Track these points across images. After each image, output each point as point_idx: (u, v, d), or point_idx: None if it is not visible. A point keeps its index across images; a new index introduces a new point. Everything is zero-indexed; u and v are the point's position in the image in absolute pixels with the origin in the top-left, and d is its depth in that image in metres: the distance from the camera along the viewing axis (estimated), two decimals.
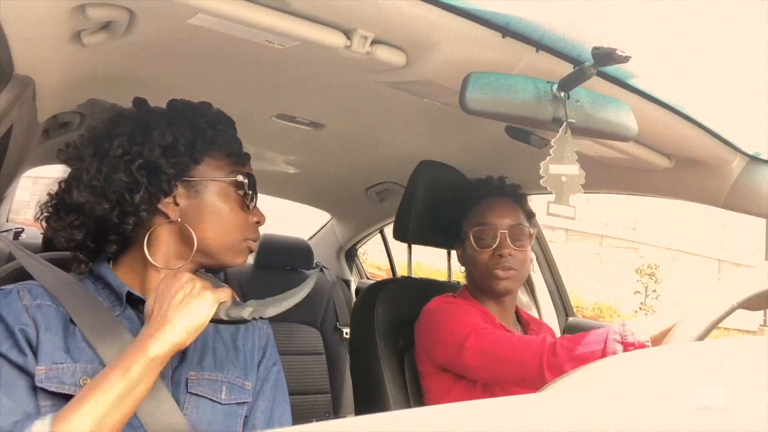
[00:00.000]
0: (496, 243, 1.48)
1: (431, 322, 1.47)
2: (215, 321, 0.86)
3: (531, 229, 1.54)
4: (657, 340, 1.10)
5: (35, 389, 0.84)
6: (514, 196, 1.57)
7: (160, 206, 0.96)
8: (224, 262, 1.01)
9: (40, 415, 0.79)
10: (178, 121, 0.99)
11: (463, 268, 1.62)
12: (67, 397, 0.83)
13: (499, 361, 1.31)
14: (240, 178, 1.01)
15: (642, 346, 1.11)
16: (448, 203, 1.67)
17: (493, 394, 1.44)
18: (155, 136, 0.96)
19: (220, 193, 0.99)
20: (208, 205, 0.98)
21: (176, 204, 0.97)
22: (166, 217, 0.97)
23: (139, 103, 1.05)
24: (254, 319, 0.86)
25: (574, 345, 1.20)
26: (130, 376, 0.79)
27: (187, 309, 0.84)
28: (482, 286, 1.53)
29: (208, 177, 0.99)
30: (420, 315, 1.51)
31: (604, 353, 1.13)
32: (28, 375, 0.84)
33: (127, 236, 0.97)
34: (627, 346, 1.12)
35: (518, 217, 1.52)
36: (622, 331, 1.14)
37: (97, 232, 0.97)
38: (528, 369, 1.24)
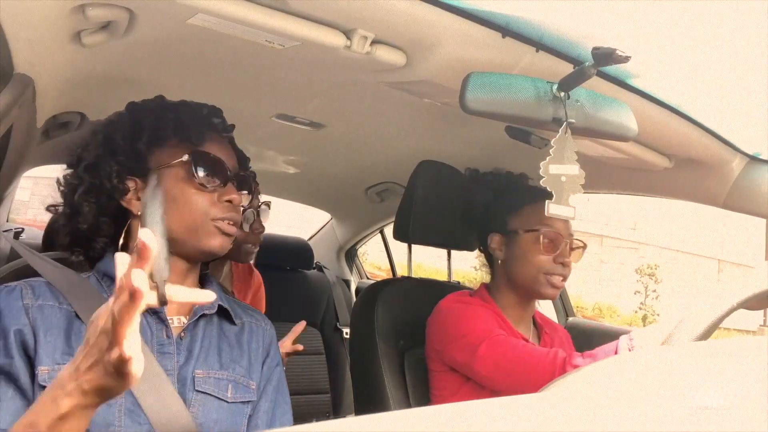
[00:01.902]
0: (559, 250, 1.43)
1: (445, 320, 1.45)
2: None
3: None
4: None
5: (20, 392, 0.85)
6: None
7: (123, 203, 0.99)
8: (197, 246, 0.98)
9: None
10: (124, 119, 1.03)
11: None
12: None
13: (510, 374, 1.31)
14: (185, 157, 0.99)
15: None
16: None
17: (499, 396, 1.44)
18: (94, 137, 1.01)
19: (175, 177, 0.99)
20: (165, 192, 0.98)
21: (138, 199, 1.00)
22: (132, 212, 1.00)
23: (129, 108, 1.06)
24: None
25: (585, 362, 1.20)
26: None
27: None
28: (526, 287, 1.47)
29: (159, 165, 1.00)
30: (433, 311, 1.50)
31: None
32: (10, 380, 0.85)
33: (111, 235, 1.01)
34: None
35: (570, 227, 1.47)
36: (630, 346, 1.14)
37: (87, 233, 1.01)
38: (539, 380, 1.23)
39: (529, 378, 1.26)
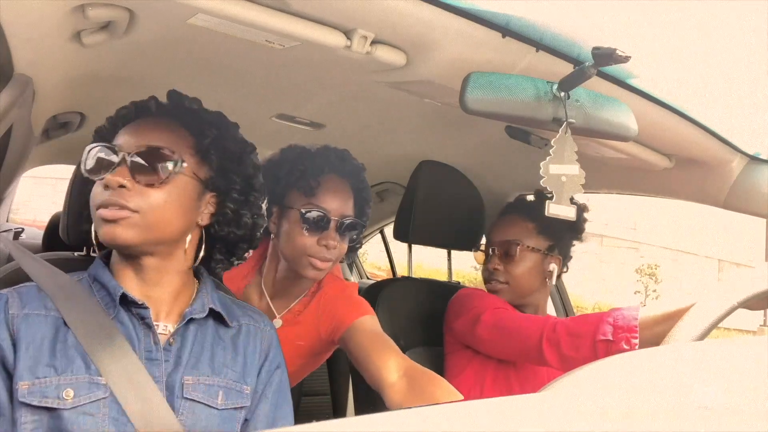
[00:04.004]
0: (489, 259, 1.60)
1: (460, 301, 1.58)
2: None
3: (534, 245, 1.56)
4: (646, 326, 1.19)
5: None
6: (525, 211, 1.60)
7: None
8: (101, 240, 0.96)
9: None
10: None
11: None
12: (49, 411, 0.83)
13: (506, 334, 1.42)
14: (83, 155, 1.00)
15: (630, 329, 1.20)
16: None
17: (506, 371, 1.53)
18: None
19: None
20: None
21: None
22: None
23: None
24: None
25: (573, 323, 1.32)
26: None
27: None
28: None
29: None
30: (452, 298, 1.61)
31: (595, 333, 1.24)
32: None
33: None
34: (616, 329, 1.22)
35: (515, 233, 1.57)
36: (615, 315, 1.25)
37: None
38: (529, 342, 1.35)
39: (522, 336, 1.38)
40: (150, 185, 0.93)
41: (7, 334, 0.87)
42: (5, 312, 0.88)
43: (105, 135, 1.00)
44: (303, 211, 1.32)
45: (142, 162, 0.93)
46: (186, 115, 1.02)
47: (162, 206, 0.93)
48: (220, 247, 1.05)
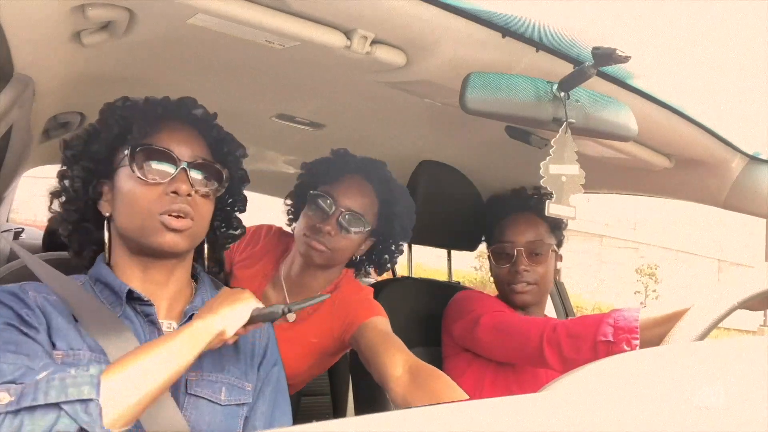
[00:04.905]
0: (513, 260, 1.57)
1: (458, 304, 1.58)
2: (252, 321, 0.93)
3: (552, 243, 1.59)
4: (647, 327, 1.19)
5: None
6: (536, 210, 1.60)
7: (99, 208, 1.00)
8: (147, 244, 0.95)
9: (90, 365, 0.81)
10: (101, 121, 1.02)
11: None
12: None
13: (506, 336, 1.41)
14: (126, 152, 0.96)
15: (631, 330, 1.20)
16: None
17: (505, 374, 1.53)
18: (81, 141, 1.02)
19: (125, 176, 0.96)
20: (118, 191, 0.97)
21: (106, 201, 1.01)
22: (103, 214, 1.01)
23: (100, 110, 1.05)
24: (284, 313, 0.94)
25: (573, 325, 1.32)
26: (173, 343, 0.85)
27: (231, 305, 0.92)
28: (504, 298, 1.61)
29: (118, 166, 0.98)
30: (450, 301, 1.61)
31: (596, 334, 1.24)
32: (41, 346, 0.84)
33: (97, 239, 1.02)
34: (617, 330, 1.22)
35: (539, 233, 1.58)
36: (615, 316, 1.25)
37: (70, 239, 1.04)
38: (530, 343, 1.35)
39: (522, 338, 1.38)
40: (205, 196, 0.98)
41: (36, 306, 0.89)
42: (24, 294, 0.90)
43: (133, 131, 0.97)
44: (312, 193, 1.42)
45: (201, 173, 0.98)
46: (205, 125, 1.04)
47: (208, 217, 1.00)
48: (209, 245, 1.10)
